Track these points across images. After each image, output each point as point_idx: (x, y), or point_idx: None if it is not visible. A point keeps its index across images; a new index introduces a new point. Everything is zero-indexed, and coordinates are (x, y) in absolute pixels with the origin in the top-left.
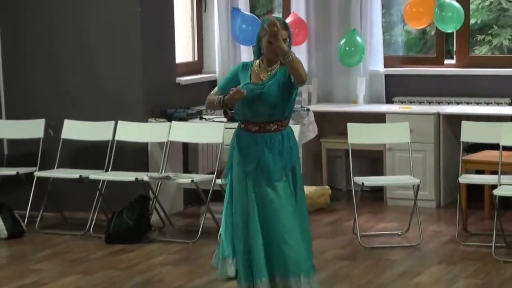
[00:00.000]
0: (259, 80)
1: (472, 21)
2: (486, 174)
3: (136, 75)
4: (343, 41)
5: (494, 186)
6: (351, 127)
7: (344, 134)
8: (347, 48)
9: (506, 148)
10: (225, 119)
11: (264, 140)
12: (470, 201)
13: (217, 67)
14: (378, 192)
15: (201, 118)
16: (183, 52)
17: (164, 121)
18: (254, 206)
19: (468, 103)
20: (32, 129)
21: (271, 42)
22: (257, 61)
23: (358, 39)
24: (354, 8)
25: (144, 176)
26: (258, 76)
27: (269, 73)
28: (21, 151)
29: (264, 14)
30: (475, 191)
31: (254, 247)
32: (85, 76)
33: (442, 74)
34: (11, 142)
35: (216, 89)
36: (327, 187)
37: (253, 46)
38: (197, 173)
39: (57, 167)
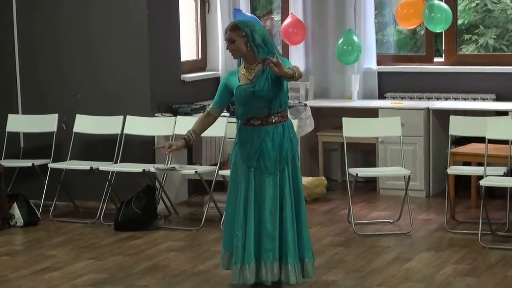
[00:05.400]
0: (247, 81)
1: (459, 21)
2: (472, 166)
3: (143, 72)
4: (341, 40)
5: (480, 177)
6: (346, 121)
7: (339, 128)
8: (344, 47)
9: (491, 141)
10: (227, 114)
11: (266, 132)
12: (457, 191)
13: (220, 64)
14: (371, 183)
15: None
16: (188, 50)
17: (169, 116)
18: (252, 197)
19: (456, 99)
20: (46, 123)
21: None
22: (242, 65)
23: (355, 38)
24: (349, 9)
25: (150, 167)
26: (246, 77)
27: (253, 71)
28: (36, 144)
29: (264, 15)
30: (462, 181)
31: (247, 235)
32: (96, 74)
33: (431, 71)
34: (27, 135)
35: (212, 103)
36: (323, 178)
37: None
38: (200, 164)
39: (70, 159)
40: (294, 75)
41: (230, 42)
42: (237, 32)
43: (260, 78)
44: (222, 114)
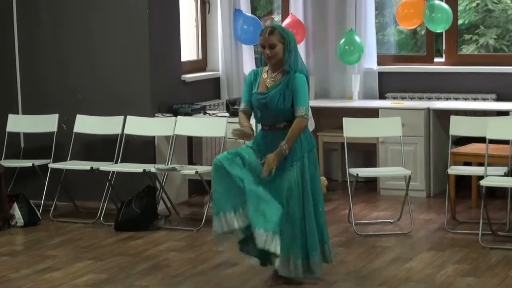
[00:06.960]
0: (265, 88)
1: (460, 21)
2: (473, 166)
3: (144, 72)
4: (342, 40)
5: (480, 177)
6: (347, 121)
7: (340, 128)
8: (346, 47)
9: (492, 141)
10: (227, 114)
11: (273, 136)
12: (458, 191)
13: (220, 65)
14: (371, 183)
15: (205, 113)
16: (188, 51)
17: (170, 116)
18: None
19: (456, 99)
20: (46, 123)
21: (264, 47)
22: (266, 67)
23: (357, 38)
24: (349, 9)
25: (151, 167)
26: (265, 84)
27: (273, 79)
28: (36, 144)
29: (265, 15)
30: (463, 181)
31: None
32: (96, 74)
33: (432, 71)
34: (27, 135)
35: (242, 104)
36: (323, 178)
37: (259, 55)
38: (201, 164)
39: (70, 159)
40: (285, 153)
41: (271, 47)
42: (278, 37)
43: (275, 91)
44: (222, 114)
